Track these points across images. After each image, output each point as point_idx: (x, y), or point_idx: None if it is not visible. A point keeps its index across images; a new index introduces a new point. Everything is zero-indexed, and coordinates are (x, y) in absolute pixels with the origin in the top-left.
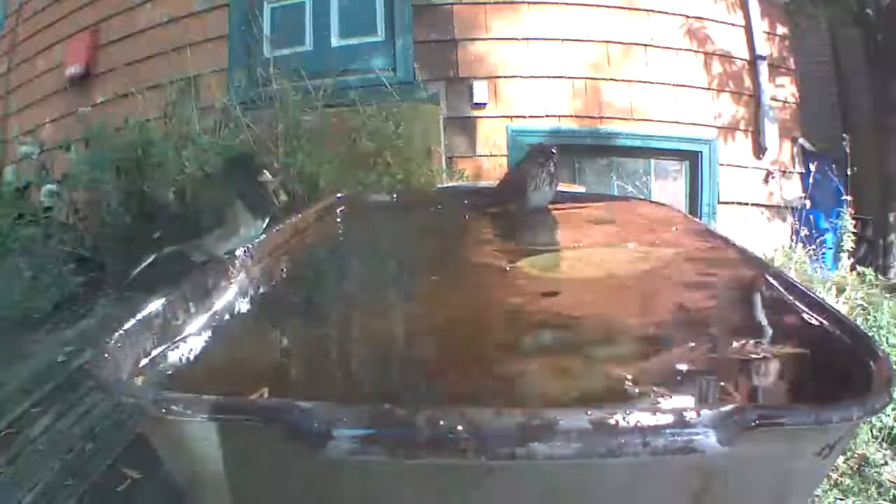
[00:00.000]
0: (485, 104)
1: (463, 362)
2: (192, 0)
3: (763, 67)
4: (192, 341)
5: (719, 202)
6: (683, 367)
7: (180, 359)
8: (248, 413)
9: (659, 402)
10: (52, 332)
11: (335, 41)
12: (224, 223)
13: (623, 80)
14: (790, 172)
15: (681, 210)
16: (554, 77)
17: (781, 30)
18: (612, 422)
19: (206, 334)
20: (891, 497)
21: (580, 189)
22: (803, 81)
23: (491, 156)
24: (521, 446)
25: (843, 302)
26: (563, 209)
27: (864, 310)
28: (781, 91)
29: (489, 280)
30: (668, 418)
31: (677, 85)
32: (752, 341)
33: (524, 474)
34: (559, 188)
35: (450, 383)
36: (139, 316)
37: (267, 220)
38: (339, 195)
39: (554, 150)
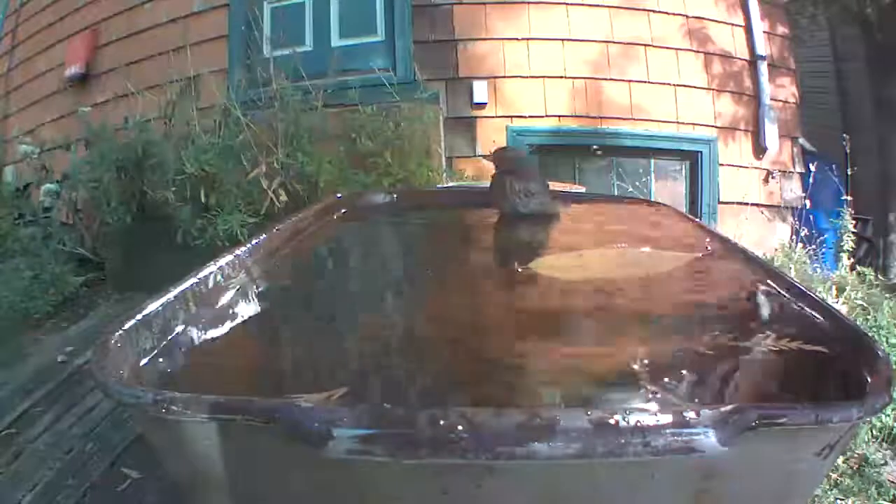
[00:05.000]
0: (485, 104)
1: (464, 361)
2: (192, 0)
3: (763, 67)
4: (192, 341)
5: (719, 202)
6: (684, 366)
7: (180, 359)
8: (248, 413)
9: (659, 402)
10: (52, 332)
11: (335, 41)
12: None
13: (623, 80)
14: (790, 172)
15: (680, 210)
16: (554, 77)
17: (781, 30)
18: (612, 422)
19: (207, 334)
20: (891, 497)
21: (580, 189)
22: (803, 81)
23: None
24: (521, 446)
25: (843, 302)
26: (566, 210)
27: (864, 310)
28: (781, 91)
29: (488, 281)
30: (668, 418)
31: (677, 85)
32: (752, 341)
33: (524, 474)
34: (560, 188)
35: (450, 382)
36: (139, 316)
37: None
38: (338, 195)
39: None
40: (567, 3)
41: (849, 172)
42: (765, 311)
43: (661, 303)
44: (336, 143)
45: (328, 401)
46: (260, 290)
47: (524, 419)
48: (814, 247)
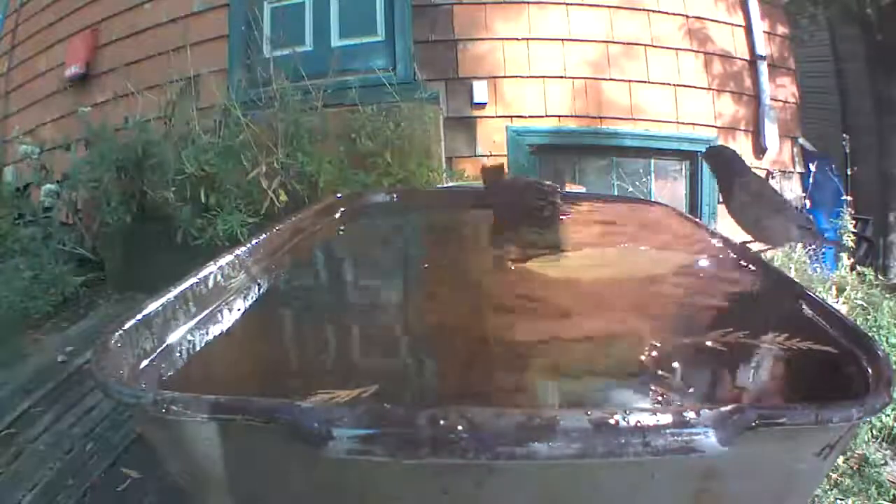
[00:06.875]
0: (485, 104)
1: (465, 361)
2: (192, 0)
3: (763, 67)
4: (192, 341)
5: (719, 202)
6: (684, 366)
7: (180, 359)
8: (248, 413)
9: (659, 402)
10: (52, 332)
11: (335, 41)
12: None
13: (623, 80)
14: (790, 172)
15: (680, 210)
16: (554, 77)
17: (781, 30)
18: (612, 422)
19: (207, 334)
20: (891, 497)
21: (580, 189)
22: (803, 81)
23: (491, 156)
24: (521, 446)
25: (843, 302)
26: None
27: (864, 310)
28: (781, 91)
29: (491, 280)
30: (668, 418)
31: (677, 85)
32: (752, 341)
33: (525, 474)
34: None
35: (451, 382)
36: (139, 316)
37: None
38: (338, 195)
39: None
40: (567, 3)
41: (849, 172)
42: (765, 312)
43: (659, 303)
44: (336, 143)
45: (358, 398)
46: (260, 290)
47: (524, 419)
48: (814, 247)
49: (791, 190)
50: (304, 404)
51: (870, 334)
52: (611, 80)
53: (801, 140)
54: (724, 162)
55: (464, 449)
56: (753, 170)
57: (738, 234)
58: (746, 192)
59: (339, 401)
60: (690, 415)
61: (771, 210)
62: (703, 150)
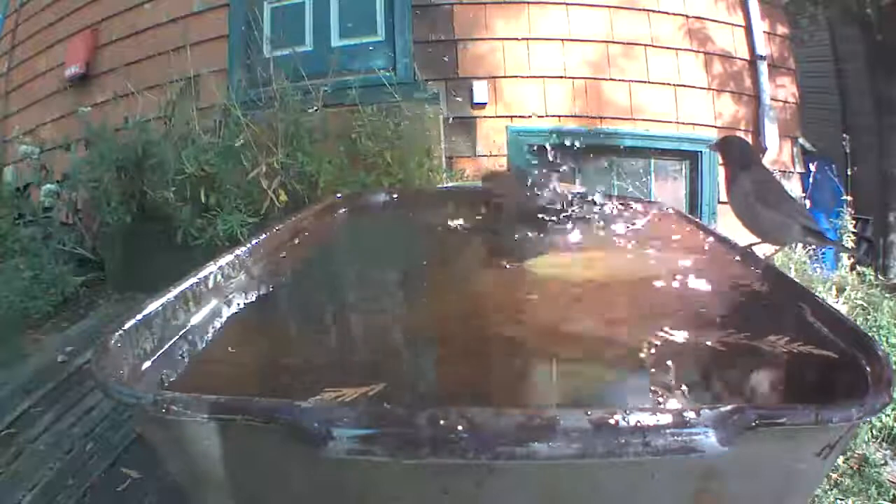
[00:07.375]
0: (485, 104)
1: (464, 361)
2: (192, 0)
3: (763, 67)
4: (192, 342)
5: (719, 202)
6: (685, 367)
7: (181, 359)
8: (248, 413)
9: (660, 402)
10: (52, 332)
11: (335, 41)
12: None
13: (623, 80)
14: (790, 172)
15: (680, 210)
16: (554, 77)
17: (781, 30)
18: (612, 422)
19: (207, 334)
20: (891, 497)
21: (580, 189)
22: (803, 81)
23: (491, 156)
24: (521, 446)
25: (843, 302)
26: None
27: (864, 310)
28: (781, 91)
29: (490, 280)
30: (668, 418)
31: (677, 85)
32: (752, 342)
33: (525, 474)
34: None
35: (451, 382)
36: (139, 316)
37: None
38: (338, 195)
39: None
40: (567, 3)
41: (849, 172)
42: (765, 312)
43: (659, 304)
44: (336, 143)
45: (365, 396)
46: (260, 289)
47: (524, 419)
48: (814, 247)
49: (791, 190)
50: (303, 404)
51: (870, 334)
52: (611, 80)
53: (801, 140)
54: (733, 152)
55: (464, 449)
56: None
57: (738, 235)
58: (749, 183)
59: (346, 399)
60: (690, 415)
61: (771, 204)
62: (706, 146)
